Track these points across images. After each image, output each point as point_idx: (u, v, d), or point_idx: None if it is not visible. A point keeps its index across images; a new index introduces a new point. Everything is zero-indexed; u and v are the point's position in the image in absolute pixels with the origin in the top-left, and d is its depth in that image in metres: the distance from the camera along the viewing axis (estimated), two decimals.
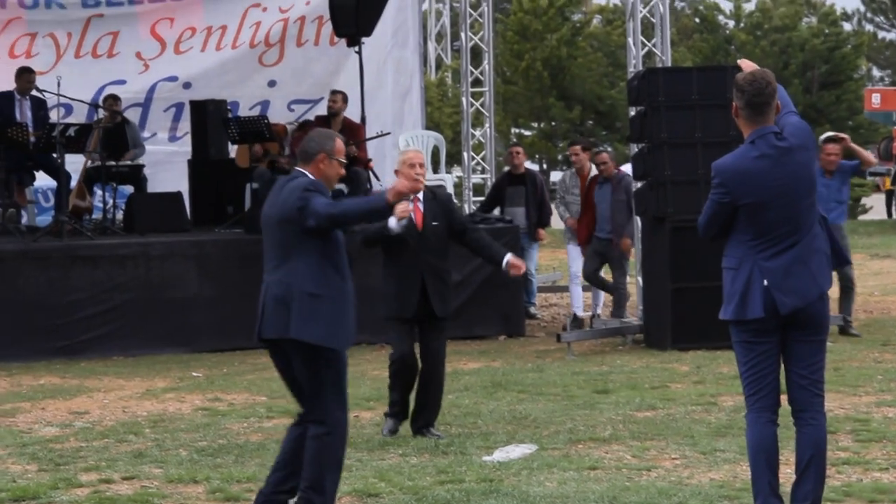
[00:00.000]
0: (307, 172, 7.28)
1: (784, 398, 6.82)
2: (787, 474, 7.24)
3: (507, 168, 17.79)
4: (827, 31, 38.62)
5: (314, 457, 7.20)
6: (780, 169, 6.65)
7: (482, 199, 18.49)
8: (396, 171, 9.63)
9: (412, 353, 9.76)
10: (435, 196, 9.86)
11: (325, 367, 7.23)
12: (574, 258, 16.65)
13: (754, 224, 6.68)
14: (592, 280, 16.00)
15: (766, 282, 6.64)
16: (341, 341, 7.25)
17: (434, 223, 9.69)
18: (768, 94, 6.69)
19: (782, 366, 6.81)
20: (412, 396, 9.86)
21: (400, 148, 18.45)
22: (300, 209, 7.12)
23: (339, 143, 7.38)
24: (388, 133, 17.01)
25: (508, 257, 9.52)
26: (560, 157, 39.54)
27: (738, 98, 6.72)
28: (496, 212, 17.33)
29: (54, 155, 15.56)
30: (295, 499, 7.28)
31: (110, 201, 16.29)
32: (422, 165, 9.50)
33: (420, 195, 9.61)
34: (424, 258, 9.65)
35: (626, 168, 16.11)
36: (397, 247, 9.63)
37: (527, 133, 40.32)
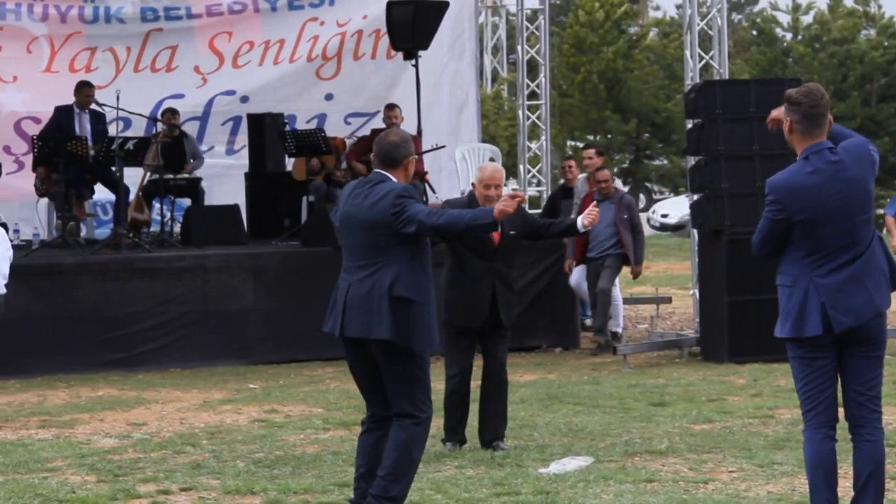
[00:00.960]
0: (390, 175, 7.37)
1: (841, 412, 6.78)
2: (845, 488, 7.19)
3: (561, 181, 17.78)
4: (886, 43, 38.33)
5: (398, 446, 7.30)
6: (834, 185, 6.61)
7: (538, 211, 18.47)
8: (473, 185, 9.68)
9: (471, 367, 9.74)
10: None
11: (415, 367, 7.33)
12: (576, 275, 15.70)
13: (809, 240, 6.63)
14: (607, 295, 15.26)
15: (822, 300, 6.59)
16: (431, 345, 7.37)
17: (512, 233, 9.63)
18: (823, 105, 6.66)
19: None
20: (468, 409, 9.81)
21: (456, 161, 18.49)
22: (395, 214, 7.21)
23: (413, 144, 7.59)
24: (444, 146, 17.04)
25: (579, 219, 9.33)
26: (616, 169, 39.46)
27: (793, 112, 6.67)
28: None
29: (113, 168, 15.69)
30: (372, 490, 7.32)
31: (168, 214, 16.43)
32: (497, 186, 9.44)
33: None
34: (496, 268, 9.62)
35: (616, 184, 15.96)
36: (469, 254, 9.58)
37: (582, 146, 40.24)
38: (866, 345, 6.64)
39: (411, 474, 7.41)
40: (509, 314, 9.73)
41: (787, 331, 6.68)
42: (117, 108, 15.67)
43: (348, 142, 17.33)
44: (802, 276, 6.65)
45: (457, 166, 18.71)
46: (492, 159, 19.49)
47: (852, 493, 6.80)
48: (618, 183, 15.90)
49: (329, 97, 18.95)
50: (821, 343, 6.65)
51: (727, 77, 16.33)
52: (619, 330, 15.24)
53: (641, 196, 40.38)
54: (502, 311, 9.62)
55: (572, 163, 17.85)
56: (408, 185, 7.38)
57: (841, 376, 6.74)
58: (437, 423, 10.13)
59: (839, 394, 6.77)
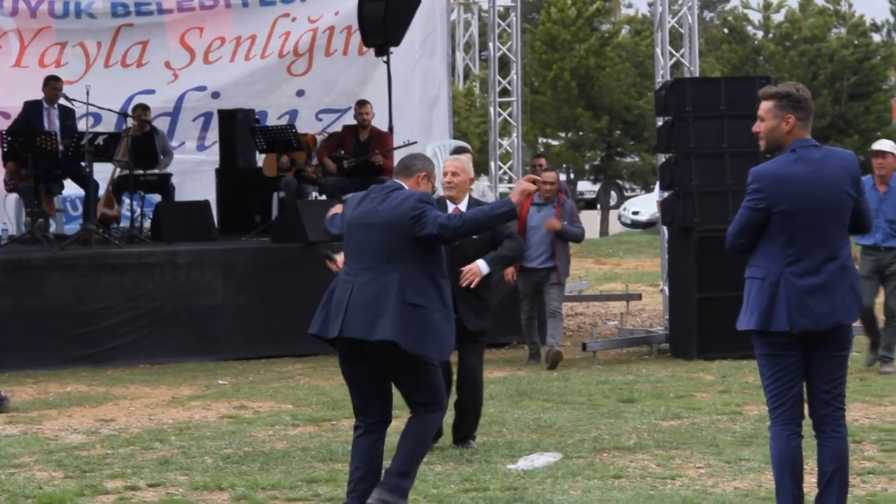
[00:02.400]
0: (404, 184, 7.46)
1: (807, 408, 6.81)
2: (811, 484, 7.22)
3: None
4: (856, 42, 38.49)
5: (413, 435, 7.37)
6: (817, 178, 6.64)
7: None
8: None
9: (449, 365, 9.64)
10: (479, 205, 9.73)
11: (424, 371, 7.37)
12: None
13: (785, 233, 6.63)
14: (530, 328, 14.45)
15: (789, 296, 6.62)
16: (439, 351, 7.38)
17: (475, 236, 9.39)
18: (808, 103, 6.75)
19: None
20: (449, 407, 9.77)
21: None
22: (414, 218, 7.26)
23: (435, 171, 7.69)
24: (415, 143, 17.03)
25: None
26: (587, 167, 39.53)
27: (796, 108, 6.67)
28: None
29: (83, 164, 15.63)
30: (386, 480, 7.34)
31: (138, 210, 16.39)
32: (454, 173, 9.39)
33: (462, 206, 9.37)
34: (457, 273, 9.29)
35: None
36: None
37: (554, 143, 40.31)
38: (832, 345, 6.68)
39: (418, 465, 7.49)
40: (474, 320, 9.56)
41: (754, 323, 6.69)
42: (87, 104, 15.61)
43: (319, 138, 17.32)
44: (775, 269, 6.66)
45: None
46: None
47: (818, 490, 6.83)
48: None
49: (300, 93, 18.93)
50: (787, 341, 6.68)
51: (698, 75, 16.37)
52: (558, 347, 13.98)
53: (613, 193, 40.44)
54: (465, 318, 9.42)
55: (542, 161, 17.89)
56: (428, 193, 7.49)
57: (807, 374, 6.77)
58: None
59: (805, 391, 6.80)
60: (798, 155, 6.68)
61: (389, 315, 7.18)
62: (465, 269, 9.29)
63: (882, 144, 13.12)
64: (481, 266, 9.36)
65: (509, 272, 13.98)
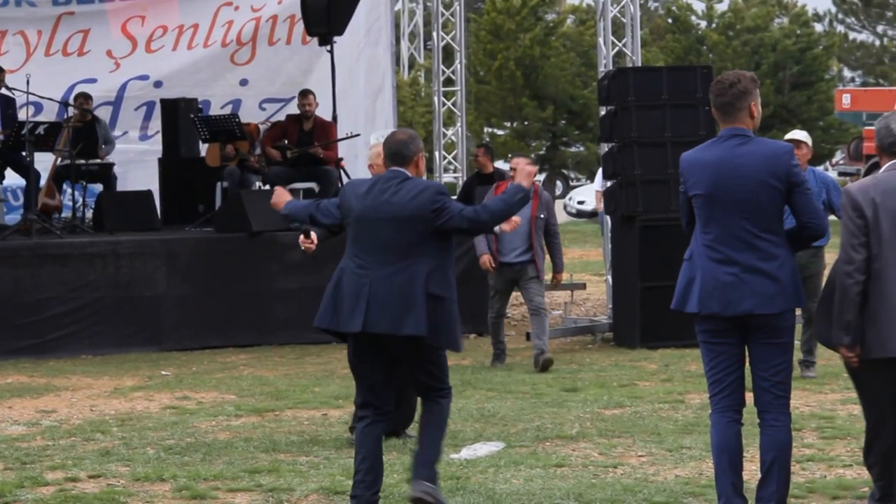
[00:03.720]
0: (407, 172, 7.38)
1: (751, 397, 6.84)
2: (753, 471, 7.27)
3: (476, 169, 17.85)
4: (798, 31, 38.76)
5: (437, 422, 7.38)
6: (729, 165, 6.66)
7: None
8: (371, 166, 9.57)
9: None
10: None
11: (438, 358, 7.40)
12: None
13: (703, 218, 6.74)
14: (498, 327, 13.50)
15: (702, 279, 6.68)
16: (459, 344, 7.37)
17: None
18: (732, 93, 6.72)
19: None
20: None
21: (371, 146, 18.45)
22: (437, 211, 7.22)
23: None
24: (358, 135, 17.02)
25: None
26: (533, 156, 39.56)
27: (711, 102, 6.80)
28: None
29: (23, 153, 15.51)
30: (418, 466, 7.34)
31: (80, 200, 16.28)
32: (379, 154, 9.45)
33: None
34: None
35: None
36: None
37: (500, 132, 40.36)
38: (765, 332, 6.67)
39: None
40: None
41: (674, 303, 6.80)
42: (27, 93, 15.49)
43: (262, 127, 17.26)
44: (697, 251, 6.75)
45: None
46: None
47: (759, 478, 6.86)
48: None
49: (244, 83, 18.85)
50: (721, 328, 6.72)
51: (640, 64, 16.43)
52: (548, 352, 13.18)
53: (559, 183, 40.54)
54: None
55: (480, 151, 17.92)
56: (442, 184, 7.50)
57: (749, 362, 6.80)
58: (350, 409, 10.13)
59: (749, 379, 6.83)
60: (718, 141, 6.75)
61: (417, 309, 7.15)
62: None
63: (795, 134, 11.80)
64: None
65: (488, 260, 13.19)
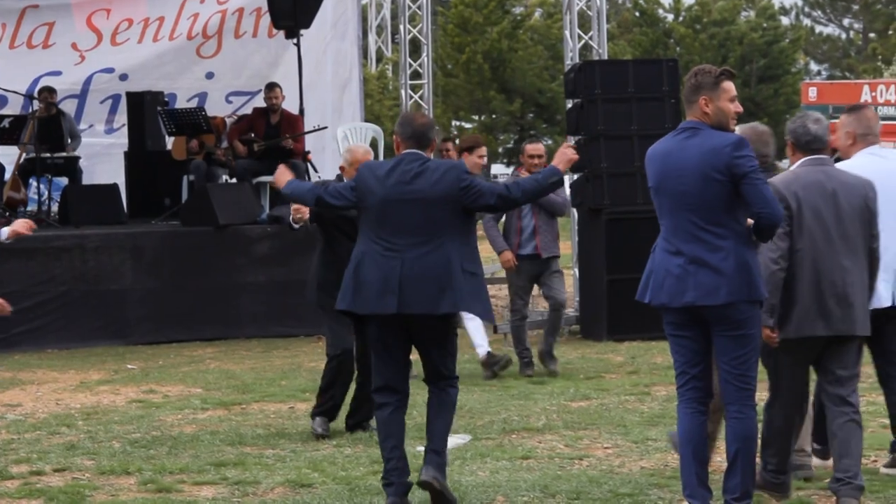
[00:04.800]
0: (426, 154, 7.46)
1: None
2: (720, 462, 7.30)
3: None
4: (765, 25, 38.92)
5: (448, 409, 7.49)
6: (673, 159, 6.71)
7: None
8: (343, 168, 9.55)
9: (353, 347, 9.66)
10: None
11: (454, 343, 7.51)
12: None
13: (658, 210, 6.80)
14: (521, 331, 12.40)
15: (656, 269, 6.76)
16: (492, 314, 7.70)
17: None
18: (687, 88, 6.80)
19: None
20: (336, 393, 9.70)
21: (338, 140, 18.44)
22: (465, 189, 7.29)
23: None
24: (325, 127, 17.00)
25: None
26: (501, 150, 39.61)
27: None
28: None
29: None
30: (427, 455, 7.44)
31: (45, 193, 16.21)
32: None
33: None
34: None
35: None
36: (340, 235, 9.45)
37: (467, 126, 40.38)
38: (723, 324, 6.67)
39: None
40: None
41: (637, 293, 6.88)
42: None
43: (229, 121, 17.22)
44: (658, 245, 6.82)
45: (339, 146, 18.65)
46: (374, 139, 19.49)
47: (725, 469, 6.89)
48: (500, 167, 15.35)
49: (210, 76, 18.80)
50: (682, 320, 6.75)
51: (606, 58, 16.46)
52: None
53: None
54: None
55: (450, 145, 17.91)
56: (462, 162, 7.64)
57: (715, 354, 6.83)
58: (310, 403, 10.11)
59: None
60: (673, 135, 6.81)
61: (454, 287, 7.23)
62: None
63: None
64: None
65: (511, 259, 12.16)
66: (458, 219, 7.33)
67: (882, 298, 7.48)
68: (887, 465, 8.13)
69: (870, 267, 7.19)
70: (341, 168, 9.49)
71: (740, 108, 6.85)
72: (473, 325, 12.04)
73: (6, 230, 8.60)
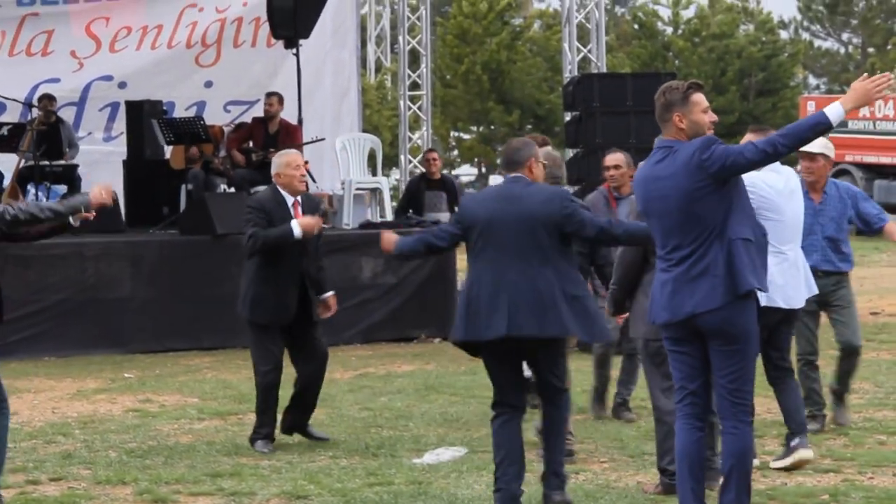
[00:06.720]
0: (526, 177, 7.52)
1: None
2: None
3: (421, 172, 17.90)
4: (764, 38, 38.96)
5: (561, 421, 7.76)
6: (655, 180, 6.71)
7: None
8: (276, 175, 9.58)
9: (281, 360, 9.61)
10: (310, 200, 9.81)
11: (564, 358, 7.76)
12: None
13: (654, 233, 6.82)
14: (606, 358, 11.18)
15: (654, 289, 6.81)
16: (605, 334, 8.05)
17: (315, 232, 9.57)
18: (658, 107, 6.78)
19: None
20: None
21: (336, 151, 18.47)
22: (567, 217, 7.39)
23: (537, 148, 7.73)
24: (323, 139, 17.01)
25: (326, 295, 9.68)
26: (499, 161, 39.65)
27: None
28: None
29: None
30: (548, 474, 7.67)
31: (44, 201, 16.20)
32: (303, 164, 9.64)
33: (300, 199, 9.54)
34: (305, 263, 9.53)
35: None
36: (277, 252, 9.49)
37: (466, 137, 40.41)
38: (717, 339, 6.66)
39: None
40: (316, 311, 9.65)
41: (647, 316, 6.97)
42: None
43: (226, 129, 17.23)
44: (657, 267, 6.82)
45: (337, 156, 18.69)
46: (373, 150, 19.52)
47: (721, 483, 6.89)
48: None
49: (209, 84, 18.83)
50: (679, 335, 6.76)
51: (605, 70, 16.50)
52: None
53: None
54: (314, 308, 9.58)
55: (435, 155, 17.97)
56: (568, 190, 7.80)
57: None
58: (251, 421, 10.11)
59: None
60: (650, 159, 6.82)
61: (557, 310, 7.33)
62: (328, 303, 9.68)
63: (811, 145, 9.54)
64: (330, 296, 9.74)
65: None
66: (557, 243, 7.41)
67: (792, 299, 8.07)
68: (777, 458, 8.58)
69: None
70: (277, 175, 9.53)
71: (714, 118, 6.86)
72: None
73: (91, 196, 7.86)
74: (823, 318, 9.95)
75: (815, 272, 9.36)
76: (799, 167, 9.99)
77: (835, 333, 10.00)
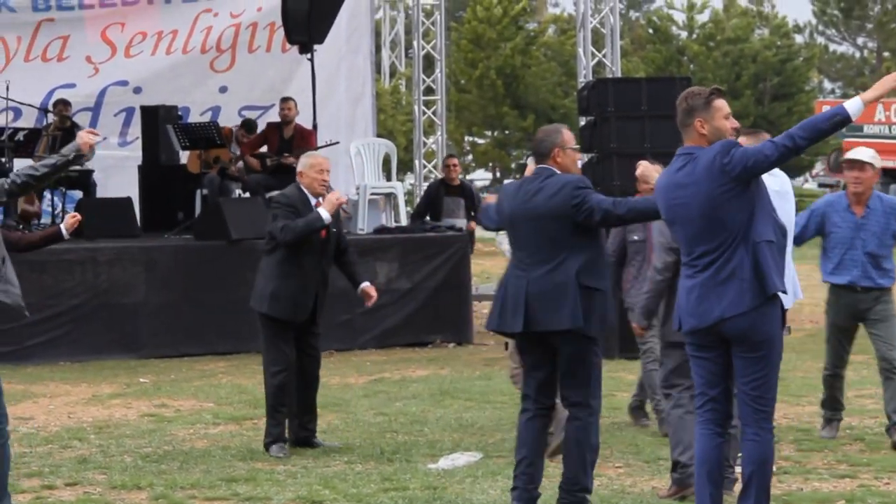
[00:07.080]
0: (551, 168, 7.44)
1: None
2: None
3: (440, 177, 17.89)
4: (779, 43, 38.91)
5: (574, 444, 7.43)
6: (679, 188, 6.70)
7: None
8: (301, 173, 9.61)
9: (293, 361, 9.61)
10: None
11: (596, 356, 7.44)
12: None
13: (678, 240, 6.81)
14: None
15: (680, 299, 6.78)
16: (611, 320, 7.61)
17: (334, 230, 9.67)
18: (680, 112, 6.76)
19: None
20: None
21: (351, 156, 18.49)
22: (576, 206, 7.28)
23: (567, 133, 7.58)
24: (337, 142, 17.03)
25: (364, 285, 9.74)
26: (513, 165, 39.64)
27: None
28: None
29: (3, 159, 15.49)
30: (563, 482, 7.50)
31: (59, 206, 16.24)
32: (328, 171, 9.68)
33: (321, 199, 9.54)
34: (324, 263, 9.62)
35: None
36: (303, 248, 9.51)
37: (480, 141, 40.41)
38: (742, 345, 6.65)
39: (593, 460, 7.51)
40: (321, 312, 9.70)
41: (673, 324, 6.91)
42: (7, 99, 15.47)
43: (234, 129, 17.26)
44: (682, 274, 6.79)
45: (352, 161, 18.70)
46: (387, 154, 19.53)
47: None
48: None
49: (223, 90, 18.86)
50: (702, 342, 6.74)
51: (620, 75, 16.49)
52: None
53: None
54: (320, 308, 9.63)
55: (455, 161, 17.97)
56: (583, 177, 7.52)
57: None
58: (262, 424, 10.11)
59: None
60: (672, 166, 6.79)
61: (571, 303, 7.24)
62: (367, 291, 9.82)
63: (859, 153, 9.58)
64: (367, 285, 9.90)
65: None
66: (577, 234, 7.32)
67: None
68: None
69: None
70: (299, 174, 9.60)
71: (736, 124, 6.84)
72: None
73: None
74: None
75: (854, 288, 9.52)
76: (841, 179, 9.83)
77: (874, 349, 9.80)
